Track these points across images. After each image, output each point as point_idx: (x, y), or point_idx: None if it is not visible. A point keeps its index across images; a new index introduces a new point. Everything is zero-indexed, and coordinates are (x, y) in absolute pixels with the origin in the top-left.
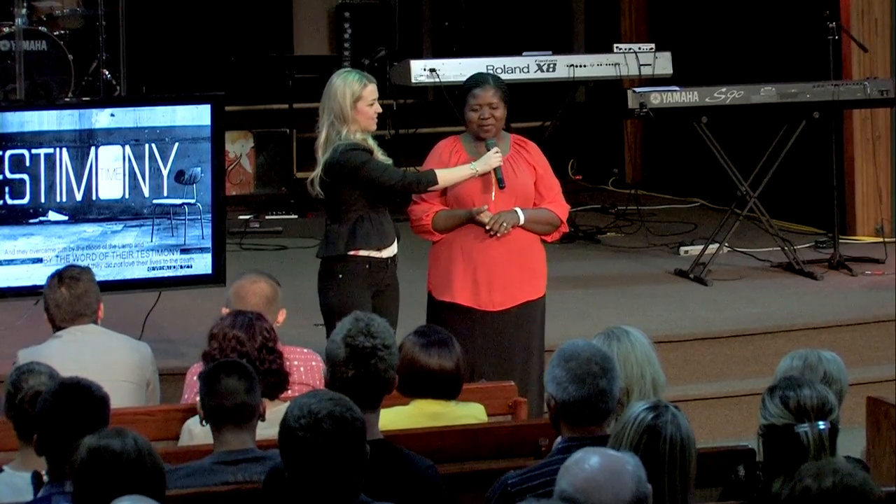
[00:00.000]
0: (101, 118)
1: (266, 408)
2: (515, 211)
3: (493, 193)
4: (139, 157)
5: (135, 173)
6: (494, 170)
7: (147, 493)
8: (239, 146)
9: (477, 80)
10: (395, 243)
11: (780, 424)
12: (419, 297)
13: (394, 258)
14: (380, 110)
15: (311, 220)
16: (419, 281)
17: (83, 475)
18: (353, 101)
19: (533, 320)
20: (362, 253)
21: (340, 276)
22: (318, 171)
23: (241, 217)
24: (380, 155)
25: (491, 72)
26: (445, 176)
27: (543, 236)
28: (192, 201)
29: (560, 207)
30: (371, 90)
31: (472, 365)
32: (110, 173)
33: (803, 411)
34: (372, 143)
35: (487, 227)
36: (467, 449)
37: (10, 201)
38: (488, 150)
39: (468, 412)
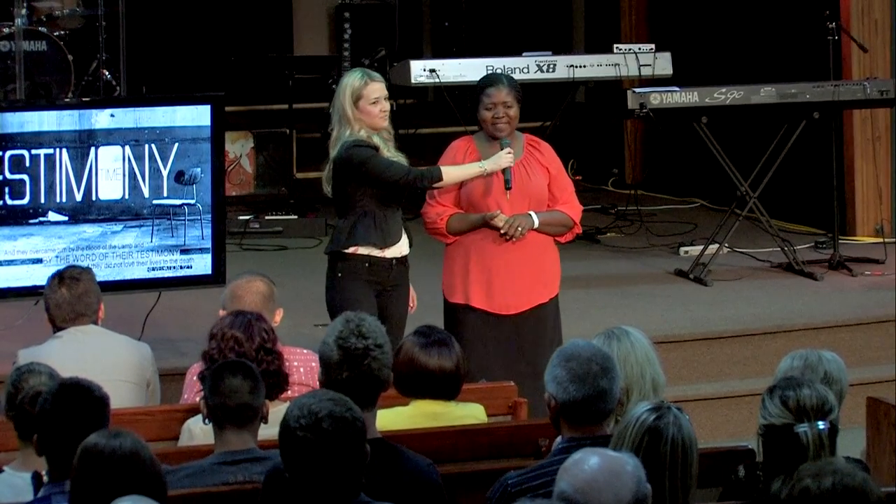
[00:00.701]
0: (101, 118)
1: (267, 408)
2: (530, 214)
3: (508, 195)
4: (139, 158)
5: (135, 174)
6: (503, 170)
7: (144, 493)
8: (239, 146)
9: (490, 80)
10: (404, 244)
11: (780, 424)
12: (428, 298)
13: (402, 259)
14: (387, 108)
15: (311, 220)
16: (426, 280)
17: (77, 476)
18: (354, 99)
19: (546, 322)
20: (361, 251)
21: (340, 273)
22: (328, 168)
23: (241, 217)
24: (386, 151)
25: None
26: (452, 172)
27: (557, 238)
28: (192, 202)
29: (573, 209)
30: (374, 88)
31: (485, 367)
32: (110, 174)
33: (803, 411)
34: (378, 140)
35: (503, 232)
36: (467, 449)
37: (10, 201)
38: (502, 150)
39: (468, 412)
